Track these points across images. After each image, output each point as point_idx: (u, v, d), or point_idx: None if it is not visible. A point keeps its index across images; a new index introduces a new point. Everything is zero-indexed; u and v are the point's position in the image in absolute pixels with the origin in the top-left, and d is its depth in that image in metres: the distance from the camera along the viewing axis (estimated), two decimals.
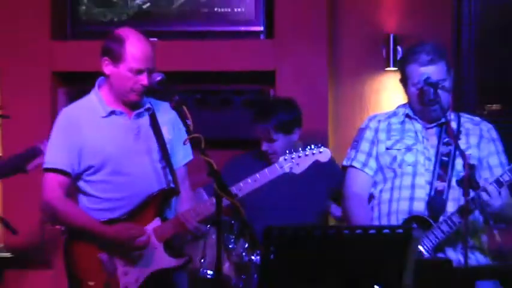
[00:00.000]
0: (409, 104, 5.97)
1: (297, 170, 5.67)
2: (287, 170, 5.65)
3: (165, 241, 5.63)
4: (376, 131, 5.99)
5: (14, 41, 8.33)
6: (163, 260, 5.62)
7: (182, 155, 5.82)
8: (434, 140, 5.85)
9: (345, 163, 6.10)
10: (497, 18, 8.57)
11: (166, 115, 5.72)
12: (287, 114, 6.78)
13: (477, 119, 6.10)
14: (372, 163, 5.96)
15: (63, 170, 5.59)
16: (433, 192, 5.73)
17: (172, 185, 5.69)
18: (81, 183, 5.68)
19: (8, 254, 8.08)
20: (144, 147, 5.68)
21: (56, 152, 5.64)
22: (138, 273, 5.59)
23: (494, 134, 5.98)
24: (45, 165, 5.68)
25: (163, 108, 5.72)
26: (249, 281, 6.33)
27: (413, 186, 5.78)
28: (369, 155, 5.98)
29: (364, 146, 6.01)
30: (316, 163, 5.72)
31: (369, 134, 6.02)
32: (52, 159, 5.63)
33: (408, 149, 5.85)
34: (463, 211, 5.44)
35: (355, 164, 6.00)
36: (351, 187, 6.05)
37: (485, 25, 8.49)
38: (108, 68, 5.55)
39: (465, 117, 5.99)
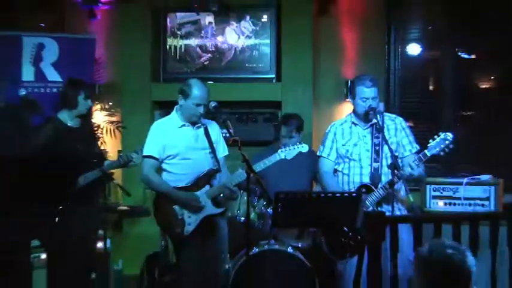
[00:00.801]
0: (354, 112, 6.21)
1: (289, 157, 5.95)
2: (283, 157, 5.93)
3: (212, 198, 5.95)
4: (335, 133, 6.25)
5: (130, 83, 8.54)
6: (211, 209, 5.95)
7: (221, 151, 6.17)
8: (369, 136, 6.06)
9: (318, 154, 6.35)
10: (411, 68, 8.70)
11: (213, 128, 6.14)
12: (300, 122, 7.08)
13: (393, 116, 6.32)
14: (333, 153, 6.21)
15: (155, 156, 5.96)
16: (372, 170, 5.95)
17: (216, 167, 6.03)
18: (164, 165, 6.03)
19: (125, 208, 8.13)
20: (201, 145, 6.04)
21: (151, 146, 6.00)
22: (196, 216, 5.89)
23: (404, 124, 6.22)
24: (144, 153, 6.03)
25: (211, 124, 6.14)
26: (265, 224, 6.56)
27: (360, 167, 6.04)
28: (331, 148, 6.22)
29: (328, 143, 6.26)
30: (300, 153, 6.02)
31: (330, 136, 6.27)
32: (148, 150, 5.99)
33: (355, 144, 6.11)
34: (391, 183, 5.74)
35: (323, 154, 6.27)
36: (322, 168, 6.30)
37: (404, 72, 8.64)
38: (181, 101, 5.95)
39: (386, 116, 6.18)
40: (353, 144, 6.14)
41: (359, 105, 6.08)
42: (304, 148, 6.04)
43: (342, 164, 6.21)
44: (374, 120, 6.00)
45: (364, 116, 6.08)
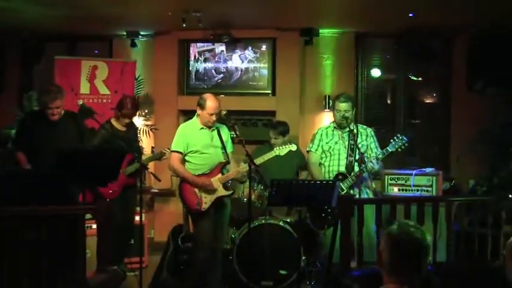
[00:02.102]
0: (334, 121, 6.22)
1: (282, 153, 5.85)
2: (277, 153, 5.83)
3: (223, 183, 5.85)
4: (321, 134, 6.23)
5: (161, 95, 8.51)
6: (222, 191, 5.84)
7: (230, 148, 6.02)
8: (346, 138, 6.06)
9: (307, 149, 6.34)
10: (374, 86, 8.73)
11: (224, 130, 6.02)
12: (285, 128, 6.96)
13: (365, 126, 6.31)
14: (319, 149, 6.18)
15: (180, 151, 5.87)
16: (347, 162, 5.98)
17: (226, 160, 5.93)
18: (187, 157, 5.90)
19: (156, 190, 8.21)
20: (215, 143, 5.93)
21: (177, 143, 5.90)
22: (211, 197, 5.81)
23: (372, 132, 6.23)
24: (172, 149, 5.94)
25: (222, 127, 6.02)
26: (263, 204, 6.44)
27: (339, 159, 6.05)
28: (318, 145, 6.21)
29: (316, 141, 6.24)
30: (290, 151, 5.93)
31: (318, 136, 6.26)
32: (175, 146, 5.89)
33: (336, 143, 6.10)
34: (359, 172, 5.81)
35: (312, 149, 6.25)
36: (310, 159, 6.28)
37: (368, 89, 8.69)
38: (198, 111, 5.87)
39: (360, 126, 6.18)
40: (334, 142, 6.16)
41: (336, 116, 6.15)
42: (294, 147, 5.96)
43: (325, 157, 6.20)
44: (350, 128, 6.05)
45: (340, 124, 6.14)
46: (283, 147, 5.93)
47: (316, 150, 6.26)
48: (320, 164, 6.26)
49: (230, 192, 6.00)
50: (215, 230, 5.94)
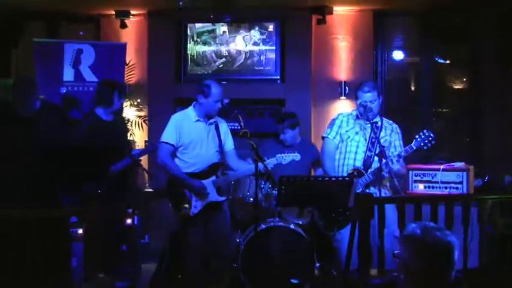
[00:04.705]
0: (357, 110, 6.12)
1: (284, 162, 5.88)
2: (280, 161, 5.89)
3: (217, 188, 5.90)
4: (341, 121, 6.13)
5: (156, 83, 8.52)
6: (214, 196, 5.90)
7: (230, 145, 6.08)
8: (369, 130, 5.95)
9: (323, 135, 6.22)
10: (396, 70, 8.78)
11: (223, 124, 6.06)
12: (292, 120, 6.93)
13: (391, 121, 6.22)
14: (338, 137, 6.08)
15: (171, 143, 5.89)
16: (366, 157, 5.88)
17: (221, 160, 5.98)
18: (177, 153, 5.94)
19: (151, 190, 8.16)
20: (211, 139, 5.98)
21: (168, 134, 5.93)
22: (202, 201, 5.84)
23: (398, 129, 6.16)
24: (162, 140, 5.95)
25: (221, 121, 6.05)
26: (271, 204, 6.46)
27: (356, 152, 5.96)
28: (336, 133, 6.10)
29: (335, 128, 6.13)
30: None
31: (337, 122, 6.15)
32: (166, 137, 5.93)
33: (356, 133, 6.01)
34: (378, 170, 5.73)
35: (329, 136, 6.13)
36: (325, 148, 6.18)
37: (389, 74, 8.68)
38: (201, 100, 5.86)
39: (385, 120, 6.11)
40: (355, 133, 6.07)
41: (359, 108, 6.07)
42: (297, 157, 5.96)
43: (341, 148, 6.12)
44: (375, 120, 6.01)
45: (364, 116, 6.03)
46: (287, 155, 5.95)
47: (334, 137, 6.15)
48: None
49: (224, 198, 6.04)
50: (208, 237, 5.99)
